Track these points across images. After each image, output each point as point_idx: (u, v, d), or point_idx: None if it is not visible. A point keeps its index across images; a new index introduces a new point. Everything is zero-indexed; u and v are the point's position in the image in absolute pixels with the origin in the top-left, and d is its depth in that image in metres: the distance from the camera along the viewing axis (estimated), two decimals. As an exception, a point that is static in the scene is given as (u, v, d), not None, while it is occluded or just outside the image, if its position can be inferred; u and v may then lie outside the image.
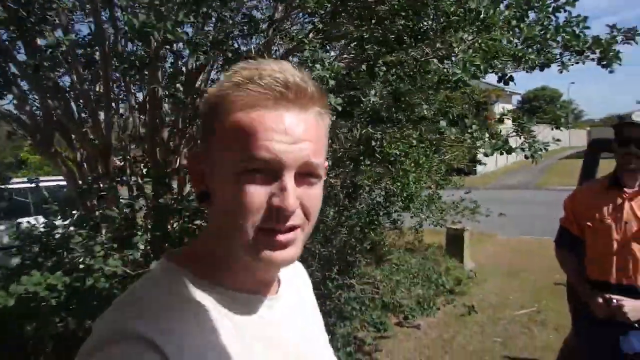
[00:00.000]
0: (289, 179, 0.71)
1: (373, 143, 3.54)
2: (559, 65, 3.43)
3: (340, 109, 2.41)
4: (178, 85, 3.35)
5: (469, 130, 2.81)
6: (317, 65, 2.46)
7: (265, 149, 0.70)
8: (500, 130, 3.13)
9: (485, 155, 2.91)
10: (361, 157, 3.63)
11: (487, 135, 3.01)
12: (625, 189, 2.45)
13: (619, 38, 3.19)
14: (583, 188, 2.75)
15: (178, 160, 3.67)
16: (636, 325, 2.36)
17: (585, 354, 2.59)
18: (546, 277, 7.08)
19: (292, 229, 0.73)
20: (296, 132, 0.72)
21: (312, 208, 0.76)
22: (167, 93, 3.28)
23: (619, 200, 2.45)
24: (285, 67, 0.74)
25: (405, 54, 3.19)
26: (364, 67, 2.92)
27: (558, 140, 3.23)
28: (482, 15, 2.73)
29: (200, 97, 3.35)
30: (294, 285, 0.94)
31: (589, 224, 2.53)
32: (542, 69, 3.25)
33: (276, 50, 3.71)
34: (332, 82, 2.38)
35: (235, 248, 0.74)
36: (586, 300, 2.50)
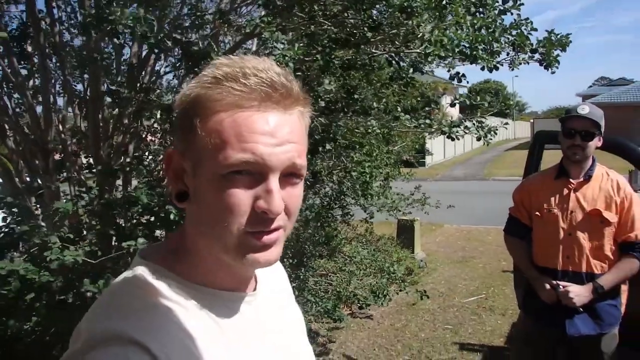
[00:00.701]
0: (274, 181, 0.71)
1: (332, 130, 3.54)
2: (509, 65, 3.57)
3: None
4: (121, 79, 3.23)
5: (423, 114, 2.88)
6: (279, 45, 2.40)
7: (250, 151, 0.69)
8: (452, 117, 3.22)
9: (443, 133, 2.98)
10: (319, 146, 3.61)
11: (440, 116, 3.09)
12: (571, 180, 2.56)
13: (556, 43, 3.34)
14: (531, 179, 2.85)
15: (123, 157, 3.54)
16: (581, 309, 2.47)
17: (534, 337, 2.68)
18: (494, 264, 7.32)
19: (276, 229, 0.73)
20: (281, 133, 0.71)
21: (295, 208, 0.76)
22: (109, 88, 3.15)
23: (566, 191, 2.56)
24: (268, 65, 0.73)
25: (357, 50, 3.20)
26: (318, 57, 2.90)
27: (506, 123, 3.33)
28: (444, 2, 2.77)
29: (144, 93, 3.24)
30: (271, 280, 0.94)
31: (537, 213, 2.63)
32: (491, 71, 3.35)
33: (222, 42, 3.64)
34: (291, 65, 2.35)
35: (218, 249, 0.74)
36: (534, 286, 2.60)
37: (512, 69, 3.60)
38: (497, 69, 3.41)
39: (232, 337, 0.76)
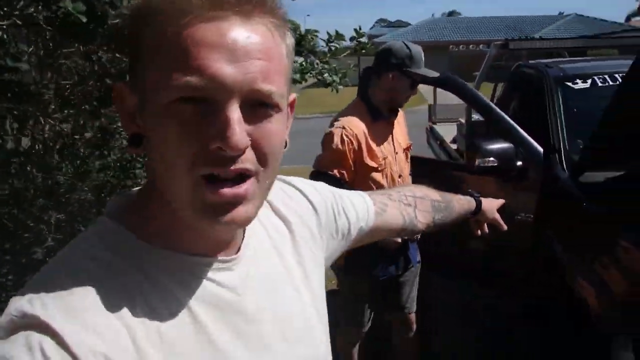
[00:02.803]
0: (232, 109, 0.55)
1: None
2: None
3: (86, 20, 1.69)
4: None
5: None
6: None
7: (199, 70, 0.54)
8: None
9: (295, 81, 2.59)
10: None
11: None
12: (389, 121, 2.43)
13: None
14: (352, 125, 2.34)
15: None
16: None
17: (368, 289, 2.56)
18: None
19: (242, 178, 0.57)
20: (241, 47, 0.55)
21: (269, 148, 0.59)
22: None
23: (388, 133, 2.43)
24: None
25: None
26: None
27: (356, 65, 3.10)
28: None
29: None
30: (269, 233, 0.77)
31: (372, 164, 2.33)
32: None
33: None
34: None
35: (174, 204, 0.60)
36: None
37: None
38: None
39: (198, 306, 0.62)
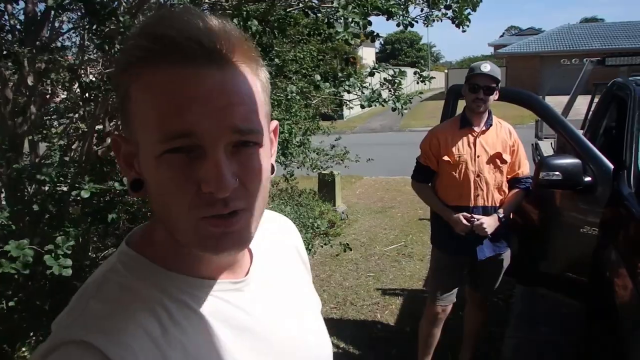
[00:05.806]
0: (216, 155, 0.60)
1: None
2: (424, 21, 3.76)
3: None
4: (18, 37, 3.01)
5: (343, 85, 2.99)
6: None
7: (181, 122, 0.58)
8: (370, 83, 3.33)
9: (362, 107, 3.13)
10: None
11: (359, 85, 3.23)
12: (475, 128, 2.94)
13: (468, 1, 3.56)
14: (438, 129, 3.12)
15: (30, 121, 3.33)
16: (490, 236, 2.92)
17: (445, 265, 3.09)
18: (411, 213, 7.69)
19: (235, 213, 0.63)
20: (218, 95, 0.59)
21: (255, 184, 0.64)
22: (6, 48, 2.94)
23: (471, 138, 2.94)
24: (195, 14, 0.61)
25: (272, 3, 3.18)
26: (235, 21, 2.88)
27: (422, 80, 3.53)
28: None
29: (48, 52, 3.04)
30: (272, 255, 0.84)
31: (448, 159, 2.95)
32: (406, 28, 3.50)
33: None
34: None
35: (179, 239, 0.66)
36: (448, 220, 2.96)
37: (427, 26, 3.83)
38: (412, 25, 3.58)
39: (218, 327, 0.69)
